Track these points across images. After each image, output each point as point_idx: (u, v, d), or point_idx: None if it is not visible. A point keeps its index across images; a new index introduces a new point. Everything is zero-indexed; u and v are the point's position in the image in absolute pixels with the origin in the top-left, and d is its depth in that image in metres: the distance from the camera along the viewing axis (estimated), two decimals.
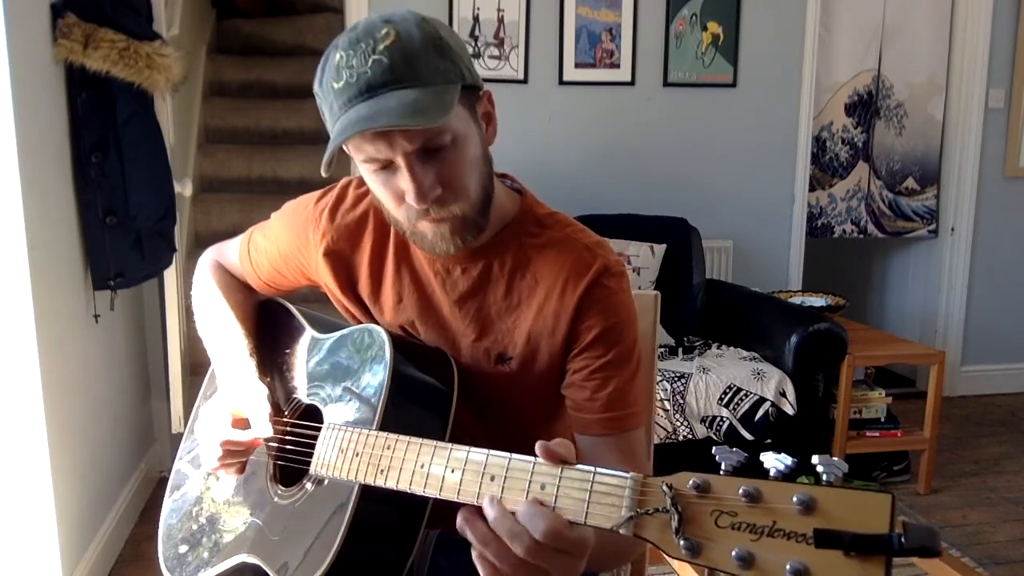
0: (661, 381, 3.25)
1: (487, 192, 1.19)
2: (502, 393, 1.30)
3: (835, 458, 0.69)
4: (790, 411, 3.28)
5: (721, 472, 0.74)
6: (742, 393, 3.27)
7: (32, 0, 2.35)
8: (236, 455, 1.32)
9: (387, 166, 1.11)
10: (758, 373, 3.32)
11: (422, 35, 1.08)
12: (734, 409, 3.25)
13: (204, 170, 4.26)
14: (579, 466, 0.85)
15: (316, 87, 1.14)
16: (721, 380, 3.29)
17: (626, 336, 1.24)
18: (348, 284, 1.36)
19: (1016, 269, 4.73)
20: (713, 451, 0.76)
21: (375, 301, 1.34)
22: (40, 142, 2.36)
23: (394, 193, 1.13)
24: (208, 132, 4.47)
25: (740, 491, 0.70)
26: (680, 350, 3.61)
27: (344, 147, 1.11)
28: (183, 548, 1.38)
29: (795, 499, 0.67)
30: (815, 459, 0.70)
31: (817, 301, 3.98)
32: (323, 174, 1.11)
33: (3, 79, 2.13)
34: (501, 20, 3.96)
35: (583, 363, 1.24)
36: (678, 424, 3.23)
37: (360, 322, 1.37)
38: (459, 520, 0.88)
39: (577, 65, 4.09)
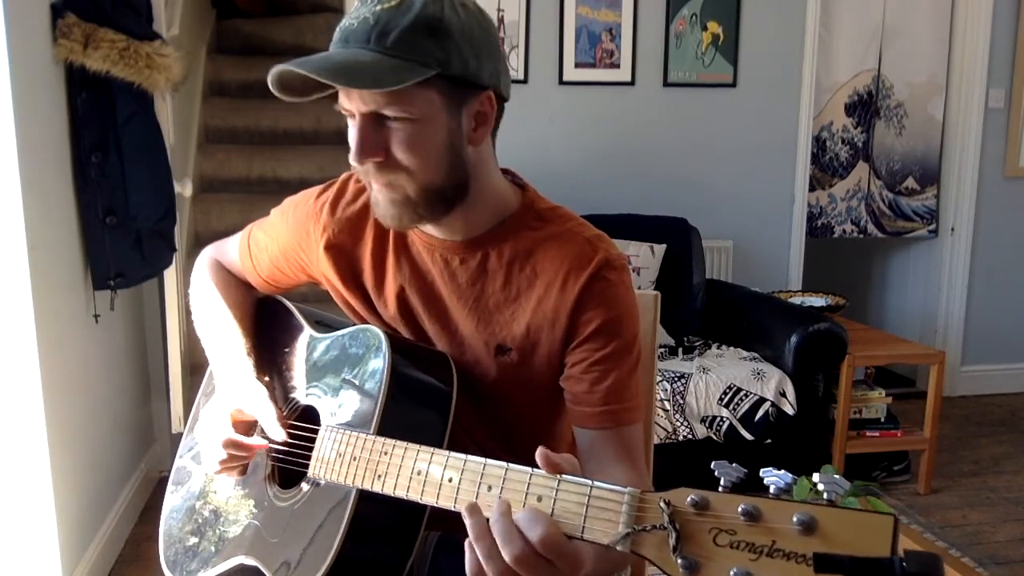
0: (661, 381, 3.25)
1: (442, 184, 1.17)
2: (503, 387, 1.30)
3: (836, 476, 0.69)
4: (790, 411, 3.28)
5: (720, 488, 0.73)
6: (742, 393, 3.27)
7: (32, 0, 2.34)
8: (239, 458, 1.32)
9: (351, 115, 1.14)
10: (758, 373, 3.32)
11: (421, 11, 1.08)
12: (734, 409, 3.25)
13: (204, 170, 4.25)
14: (576, 478, 0.85)
15: None
16: (721, 380, 3.29)
17: (626, 329, 1.24)
18: (351, 277, 1.36)
19: (1016, 269, 4.73)
20: (712, 466, 0.75)
21: (379, 293, 1.34)
22: (40, 142, 2.36)
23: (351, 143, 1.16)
24: (208, 132, 4.46)
25: (739, 509, 0.70)
26: (680, 350, 3.61)
27: None
28: (183, 547, 1.38)
29: (795, 519, 0.67)
30: (816, 476, 0.70)
31: (817, 301, 3.98)
32: (274, 92, 1.14)
33: (3, 79, 2.12)
34: (501, 20, 3.96)
35: (582, 355, 1.23)
36: (678, 424, 3.23)
37: (362, 317, 1.37)
38: (464, 508, 0.88)
39: (577, 65, 4.08)
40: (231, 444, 1.29)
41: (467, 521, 0.87)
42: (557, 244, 1.25)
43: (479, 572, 0.86)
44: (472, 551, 0.86)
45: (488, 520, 0.86)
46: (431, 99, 1.11)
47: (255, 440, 1.31)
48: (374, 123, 1.12)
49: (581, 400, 1.24)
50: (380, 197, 1.18)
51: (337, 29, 1.13)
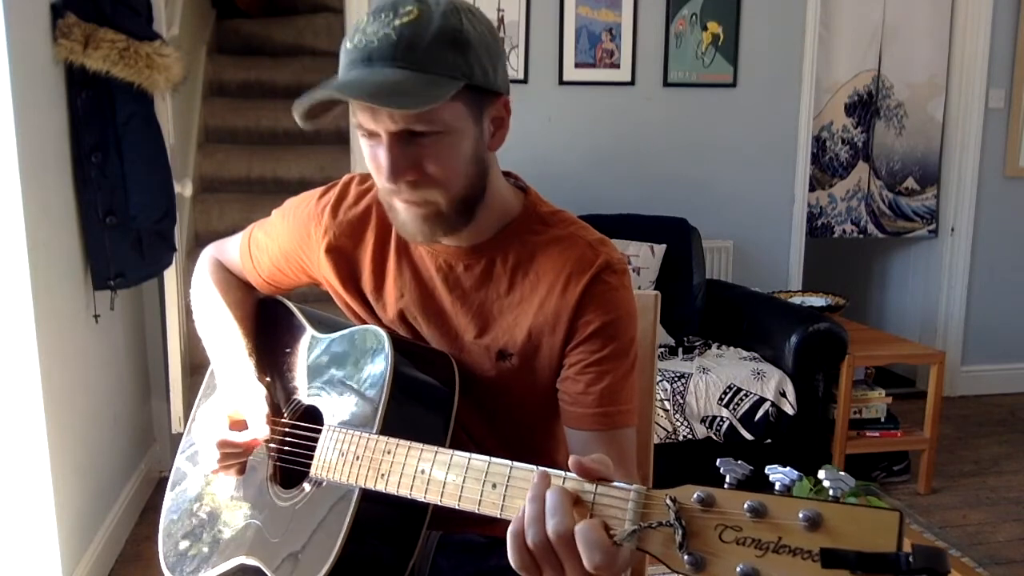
0: (661, 381, 3.25)
1: (470, 194, 1.18)
2: (504, 390, 1.30)
3: (842, 472, 0.69)
4: (790, 411, 3.27)
5: (725, 485, 0.73)
6: (742, 393, 3.27)
7: (32, 0, 2.34)
8: (234, 456, 1.32)
9: (374, 135, 1.13)
10: (758, 373, 3.31)
11: (442, 23, 1.08)
12: (734, 409, 3.25)
13: (204, 170, 4.26)
14: (579, 481, 0.85)
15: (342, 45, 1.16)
16: (721, 380, 3.29)
17: (624, 333, 1.24)
18: (351, 280, 1.36)
19: (1016, 269, 4.73)
20: (718, 463, 0.75)
21: (378, 297, 1.34)
22: (40, 142, 2.36)
23: (375, 164, 1.15)
24: (208, 132, 4.47)
25: (745, 505, 0.70)
26: (680, 350, 3.61)
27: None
28: (183, 547, 1.38)
29: (801, 515, 0.66)
30: (821, 473, 0.70)
31: (817, 301, 3.98)
32: (298, 123, 1.13)
33: (3, 79, 2.12)
34: (501, 20, 3.96)
35: (579, 356, 1.24)
36: (678, 424, 3.23)
37: (362, 319, 1.37)
38: (538, 470, 0.87)
39: (577, 65, 4.08)
40: (224, 444, 1.29)
41: (534, 482, 0.86)
42: (559, 248, 1.26)
43: (519, 532, 0.85)
44: (521, 513, 0.86)
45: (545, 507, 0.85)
46: (457, 110, 1.11)
47: (247, 436, 1.31)
48: (404, 141, 1.11)
49: (576, 401, 1.24)
50: (408, 215, 1.17)
51: (350, 47, 1.11)
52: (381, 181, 1.14)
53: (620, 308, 1.24)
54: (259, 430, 1.30)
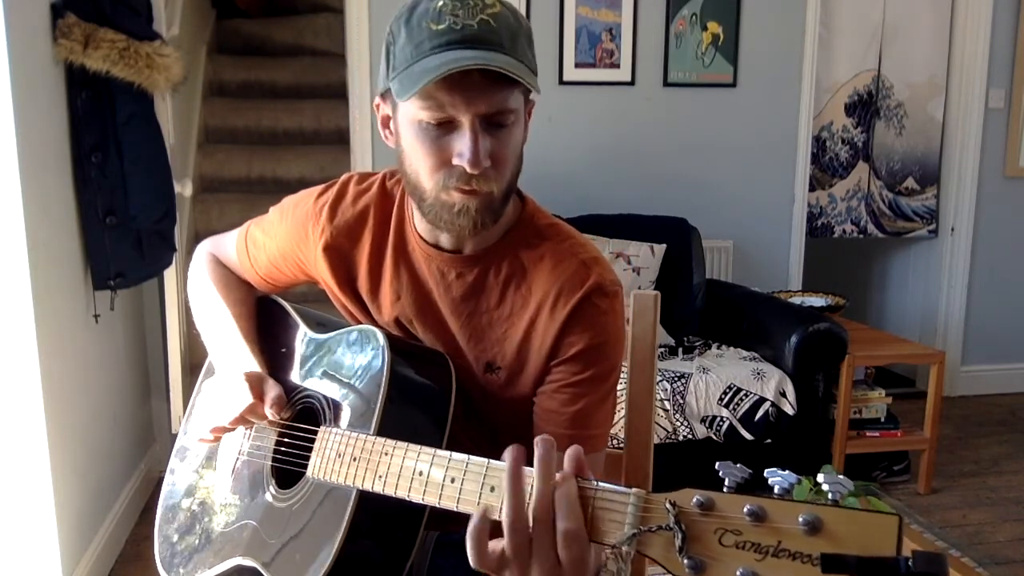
0: (661, 381, 3.25)
1: (511, 187, 1.20)
2: (492, 402, 1.30)
3: (841, 476, 0.69)
4: (790, 411, 3.27)
5: (725, 489, 0.73)
6: (742, 393, 3.26)
7: (32, 0, 2.34)
8: (248, 423, 1.32)
9: (444, 123, 1.11)
10: (758, 373, 3.31)
11: (521, 21, 1.14)
12: (734, 409, 3.25)
13: (204, 170, 4.26)
14: (582, 480, 0.85)
15: (398, 23, 1.13)
16: (721, 380, 3.29)
17: (606, 358, 1.24)
18: (347, 281, 1.35)
19: (1016, 269, 4.73)
20: (717, 467, 0.75)
21: (373, 298, 1.34)
22: (40, 142, 2.36)
23: (441, 153, 1.12)
24: (208, 132, 4.47)
25: (745, 509, 0.70)
26: (680, 350, 3.61)
27: (396, 96, 1.11)
28: (179, 548, 1.37)
29: (801, 519, 0.66)
30: (820, 477, 0.70)
31: (817, 301, 3.98)
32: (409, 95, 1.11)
33: (3, 79, 2.12)
34: None
35: (558, 375, 1.23)
36: (678, 424, 3.23)
37: (358, 319, 1.37)
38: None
39: (577, 65, 4.08)
40: (252, 409, 1.28)
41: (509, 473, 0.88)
42: (552, 263, 1.25)
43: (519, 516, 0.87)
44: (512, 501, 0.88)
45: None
46: (520, 102, 1.15)
47: (268, 411, 1.30)
48: (483, 128, 1.11)
49: (548, 418, 1.23)
50: (466, 206, 1.15)
51: (441, 28, 1.08)
52: (455, 168, 1.12)
53: (606, 332, 1.23)
54: (278, 401, 1.29)
